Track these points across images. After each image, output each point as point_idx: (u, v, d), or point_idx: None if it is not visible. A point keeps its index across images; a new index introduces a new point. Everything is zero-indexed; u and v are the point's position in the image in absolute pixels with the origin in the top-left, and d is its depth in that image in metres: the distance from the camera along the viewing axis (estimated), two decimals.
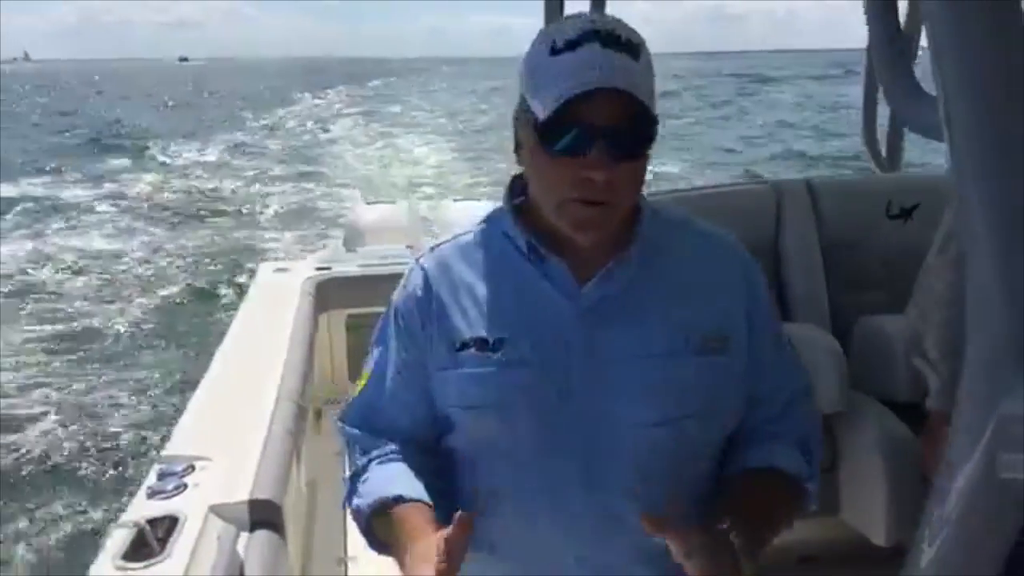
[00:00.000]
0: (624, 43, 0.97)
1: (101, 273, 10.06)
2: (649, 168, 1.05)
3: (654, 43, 1.02)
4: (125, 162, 20.19)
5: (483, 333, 1.08)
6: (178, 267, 10.27)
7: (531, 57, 1.02)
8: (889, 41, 0.69)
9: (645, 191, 1.09)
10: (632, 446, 1.06)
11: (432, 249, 1.18)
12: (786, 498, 1.13)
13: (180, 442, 2.22)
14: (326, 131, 26.86)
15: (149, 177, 17.54)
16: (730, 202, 2.56)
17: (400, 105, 35.55)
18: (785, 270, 2.45)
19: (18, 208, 14.05)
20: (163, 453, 2.19)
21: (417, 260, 1.18)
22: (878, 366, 2.16)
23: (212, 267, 10.07)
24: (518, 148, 1.08)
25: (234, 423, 2.32)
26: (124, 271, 10.21)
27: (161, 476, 1.99)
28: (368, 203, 6.04)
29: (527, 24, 2.38)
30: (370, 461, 1.15)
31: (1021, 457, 0.49)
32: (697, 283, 1.11)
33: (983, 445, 0.52)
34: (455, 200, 7.02)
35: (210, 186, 16.58)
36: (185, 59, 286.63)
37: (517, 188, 1.14)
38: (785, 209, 2.46)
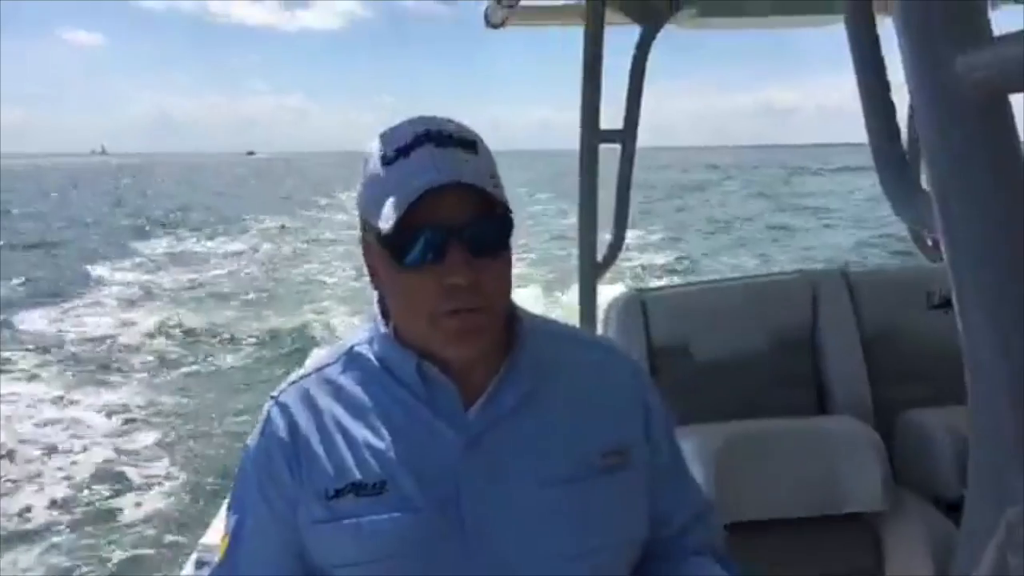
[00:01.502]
0: (458, 140, 0.91)
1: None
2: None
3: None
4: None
5: (360, 477, 0.94)
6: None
7: (365, 173, 0.95)
8: (888, 139, 0.70)
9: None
10: None
11: (292, 383, 1.04)
12: None
13: (220, 531, 2.25)
14: None
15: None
16: (763, 293, 2.55)
17: None
18: (823, 362, 2.42)
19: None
20: (202, 541, 2.22)
21: (275, 397, 1.04)
22: (923, 462, 2.09)
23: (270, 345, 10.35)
24: (373, 276, 0.99)
25: None
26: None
27: (199, 565, 2.02)
28: None
29: (571, 118, 2.47)
30: None
31: None
32: (589, 396, 1.03)
33: (992, 549, 0.52)
34: None
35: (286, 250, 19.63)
36: (252, 153, 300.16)
37: (384, 311, 1.03)
38: (821, 300, 2.44)
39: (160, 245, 20.89)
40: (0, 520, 5.17)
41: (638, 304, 2.42)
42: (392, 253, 0.90)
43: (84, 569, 4.79)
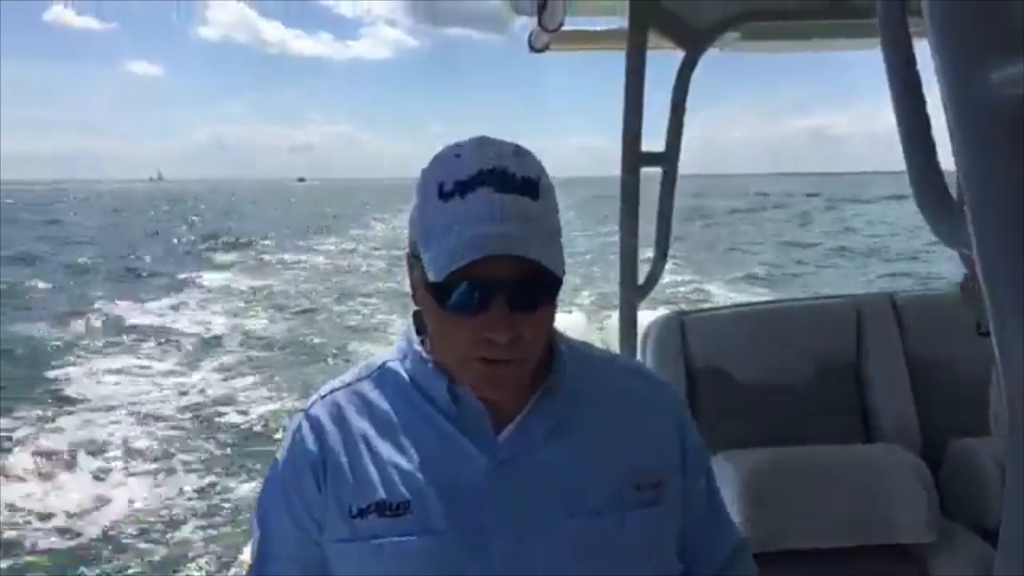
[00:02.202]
0: (520, 183, 0.87)
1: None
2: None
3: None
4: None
5: (384, 496, 0.93)
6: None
7: (420, 197, 0.91)
8: (924, 158, 0.69)
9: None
10: None
11: (323, 396, 1.03)
12: None
13: None
14: None
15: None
16: (806, 317, 2.51)
17: None
18: (868, 389, 2.37)
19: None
20: (241, 558, 2.25)
21: (305, 410, 1.02)
22: (971, 492, 2.03)
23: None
24: (414, 293, 0.96)
25: None
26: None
27: None
28: None
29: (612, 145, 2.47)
30: None
31: None
32: (625, 425, 1.00)
33: None
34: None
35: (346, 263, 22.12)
36: (303, 179, 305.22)
37: (419, 326, 1.01)
38: (867, 325, 2.40)
39: (231, 258, 23.58)
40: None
41: (677, 326, 2.40)
42: (434, 296, 0.89)
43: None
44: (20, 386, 8.75)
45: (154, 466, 6.59)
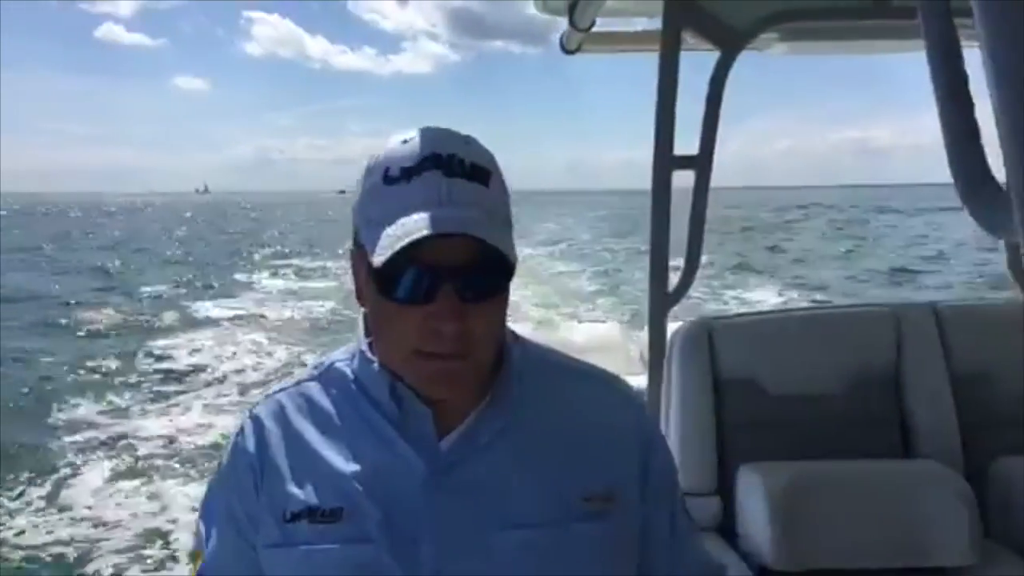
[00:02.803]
0: (469, 169, 0.83)
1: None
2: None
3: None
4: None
5: (317, 502, 0.89)
6: None
7: (365, 183, 0.87)
8: (964, 130, 0.64)
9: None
10: None
11: (268, 396, 1.00)
12: None
13: None
14: None
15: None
16: (843, 325, 2.43)
17: (544, 230, 37.88)
18: (908, 401, 2.27)
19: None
20: None
21: (251, 410, 1.00)
22: (1015, 513, 1.93)
23: None
24: (359, 291, 0.92)
25: None
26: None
27: None
28: (580, 322, 6.53)
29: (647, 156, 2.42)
30: None
31: None
32: (578, 434, 0.94)
33: None
34: (579, 322, 7.21)
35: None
36: (343, 192, 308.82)
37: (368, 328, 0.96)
38: (907, 335, 2.31)
39: (280, 262, 26.52)
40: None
41: (705, 333, 2.33)
42: (379, 286, 0.84)
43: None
44: (128, 360, 11.31)
45: (238, 411, 8.64)
